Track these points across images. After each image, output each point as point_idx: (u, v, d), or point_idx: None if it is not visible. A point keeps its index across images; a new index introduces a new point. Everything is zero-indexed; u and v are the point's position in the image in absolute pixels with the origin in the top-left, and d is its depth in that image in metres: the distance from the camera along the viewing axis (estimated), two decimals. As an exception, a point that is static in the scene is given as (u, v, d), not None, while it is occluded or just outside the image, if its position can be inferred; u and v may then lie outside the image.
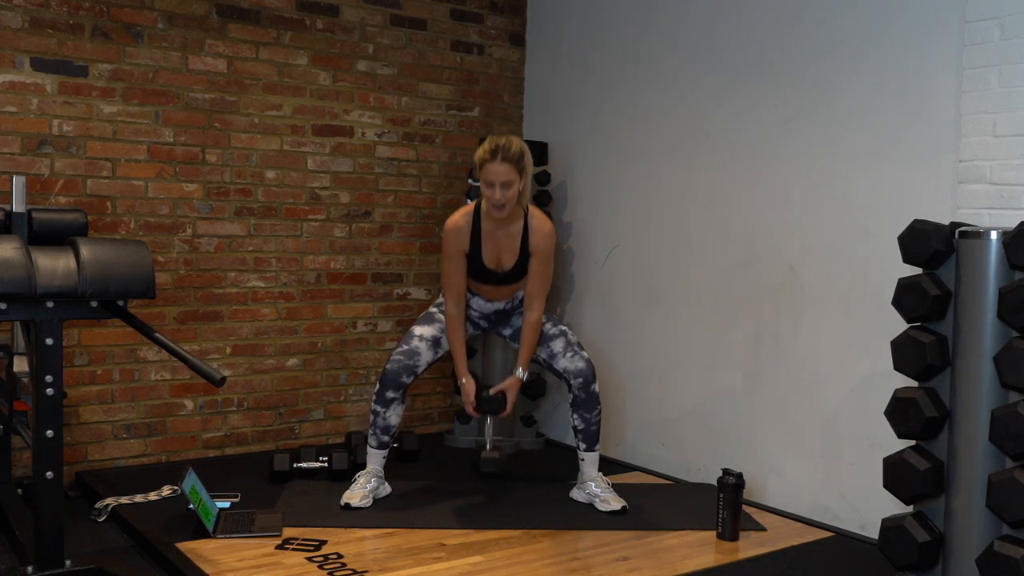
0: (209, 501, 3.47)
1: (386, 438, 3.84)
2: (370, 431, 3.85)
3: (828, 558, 3.38)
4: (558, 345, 3.83)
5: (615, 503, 3.77)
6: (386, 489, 3.87)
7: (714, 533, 3.54)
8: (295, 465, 4.09)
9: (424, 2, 4.96)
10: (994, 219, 3.24)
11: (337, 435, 4.83)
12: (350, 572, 3.07)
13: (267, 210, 4.56)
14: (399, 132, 4.93)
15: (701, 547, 3.43)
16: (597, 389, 3.86)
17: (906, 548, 2.92)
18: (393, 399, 3.79)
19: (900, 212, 3.49)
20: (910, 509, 3.15)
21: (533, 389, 4.85)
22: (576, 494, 3.93)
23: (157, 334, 3.01)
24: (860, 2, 3.70)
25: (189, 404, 4.41)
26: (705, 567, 3.24)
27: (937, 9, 3.45)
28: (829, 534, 3.64)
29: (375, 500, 3.78)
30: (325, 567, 3.11)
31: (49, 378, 2.83)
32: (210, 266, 4.43)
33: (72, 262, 2.82)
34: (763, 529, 3.65)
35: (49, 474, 2.83)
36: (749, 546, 3.46)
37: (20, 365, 3.33)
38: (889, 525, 2.98)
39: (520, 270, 3.76)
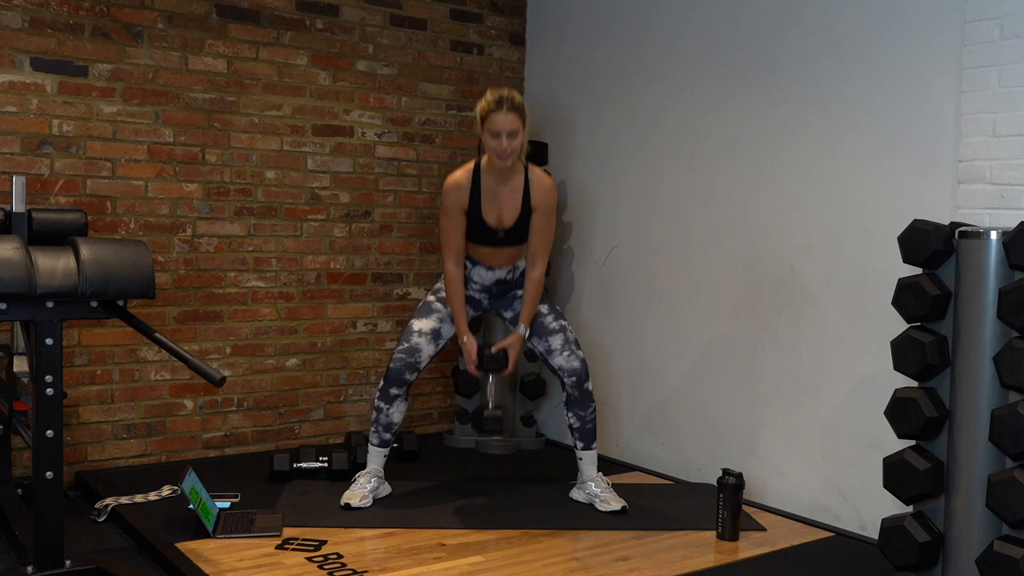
0: (209, 501, 3.47)
1: (388, 436, 3.84)
2: (372, 429, 3.85)
3: (828, 558, 3.38)
4: (556, 342, 3.83)
5: (615, 503, 3.77)
6: (386, 489, 3.87)
7: (714, 533, 3.54)
8: (295, 465, 4.09)
9: (424, 2, 4.96)
10: (994, 219, 3.24)
11: (337, 435, 4.83)
12: (350, 572, 3.07)
13: (267, 210, 4.56)
14: (399, 132, 4.93)
15: (701, 547, 3.43)
16: (590, 387, 3.86)
17: (906, 548, 2.92)
18: (397, 396, 3.80)
19: (900, 212, 3.49)
20: (910, 509, 3.16)
21: (533, 389, 4.86)
22: (576, 494, 3.93)
23: (157, 334, 3.01)
24: (860, 2, 3.70)
25: (189, 404, 4.41)
26: (705, 567, 3.24)
27: (937, 9, 3.45)
28: (829, 534, 3.64)
29: (375, 500, 3.78)
30: (325, 567, 3.11)
31: (49, 378, 2.83)
32: (210, 266, 4.43)
33: (72, 262, 2.82)
34: (763, 529, 3.65)
35: (49, 474, 2.83)
36: (749, 546, 3.46)
37: (20, 365, 3.33)
38: (889, 525, 2.98)
39: (521, 228, 3.73)
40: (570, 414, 3.88)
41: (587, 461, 3.90)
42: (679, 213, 4.45)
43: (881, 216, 3.61)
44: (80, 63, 4.05)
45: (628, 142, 4.72)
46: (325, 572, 3.07)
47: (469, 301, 3.86)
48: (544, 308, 3.85)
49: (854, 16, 3.72)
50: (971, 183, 3.32)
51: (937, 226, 2.91)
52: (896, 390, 2.99)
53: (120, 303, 2.94)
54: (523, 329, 3.80)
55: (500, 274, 3.86)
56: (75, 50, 4.04)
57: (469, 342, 3.78)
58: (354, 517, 3.61)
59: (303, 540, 3.35)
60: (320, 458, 4.16)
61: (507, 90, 3.58)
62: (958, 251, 2.89)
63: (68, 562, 2.90)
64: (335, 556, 3.21)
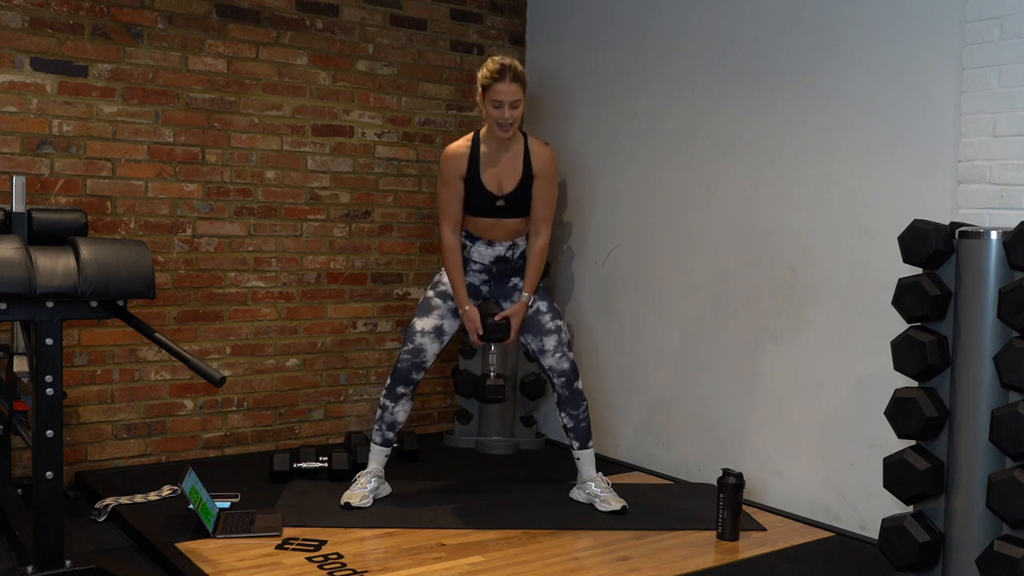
0: (209, 501, 3.47)
1: (391, 435, 3.85)
2: (375, 427, 3.85)
3: (828, 558, 3.38)
4: (551, 343, 3.83)
5: (615, 503, 3.77)
6: (386, 489, 3.87)
7: (714, 533, 3.54)
8: (295, 465, 4.10)
9: (424, 2, 4.96)
10: (994, 219, 3.24)
11: (337, 435, 4.83)
12: (350, 572, 3.07)
13: (267, 210, 4.56)
14: (399, 132, 4.93)
15: (701, 547, 3.43)
16: (580, 386, 3.86)
17: (906, 548, 2.92)
18: (403, 395, 3.80)
19: (900, 212, 3.49)
20: (910, 509, 3.16)
21: (533, 389, 4.85)
22: (576, 494, 3.93)
23: (157, 334, 3.01)
24: (860, 2, 3.70)
25: (189, 404, 4.41)
26: (705, 567, 3.24)
27: (937, 9, 3.45)
28: (829, 534, 3.64)
29: (375, 500, 3.78)
30: (325, 567, 3.11)
31: (49, 378, 2.83)
32: (210, 266, 4.43)
33: (72, 262, 2.82)
34: (763, 529, 3.65)
35: (49, 474, 2.83)
36: (749, 546, 3.46)
37: (20, 365, 3.33)
38: (889, 525, 2.98)
39: (521, 196, 3.72)
40: (563, 414, 3.88)
41: (585, 461, 3.90)
42: (679, 213, 4.45)
43: (881, 216, 3.61)
44: (80, 63, 4.05)
45: (628, 142, 4.72)
46: (325, 572, 3.07)
47: (468, 289, 3.84)
48: (543, 306, 3.85)
49: (854, 16, 3.72)
50: (971, 183, 3.32)
51: (937, 226, 2.91)
52: (896, 390, 2.99)
53: (120, 303, 2.94)
54: (526, 297, 3.79)
55: (500, 250, 3.82)
56: (75, 50, 4.04)
57: (471, 311, 3.77)
58: (354, 517, 3.61)
59: (303, 540, 3.35)
60: (320, 458, 4.16)
61: (508, 59, 3.59)
62: (958, 251, 2.89)
63: (68, 562, 2.90)
64: (335, 556, 3.21)
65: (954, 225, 2.98)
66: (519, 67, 3.59)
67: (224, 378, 2.98)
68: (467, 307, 3.77)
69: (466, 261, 3.84)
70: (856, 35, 3.71)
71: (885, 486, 3.00)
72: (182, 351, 2.97)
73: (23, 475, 3.85)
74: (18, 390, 3.37)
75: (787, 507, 3.94)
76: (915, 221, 2.96)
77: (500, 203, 3.72)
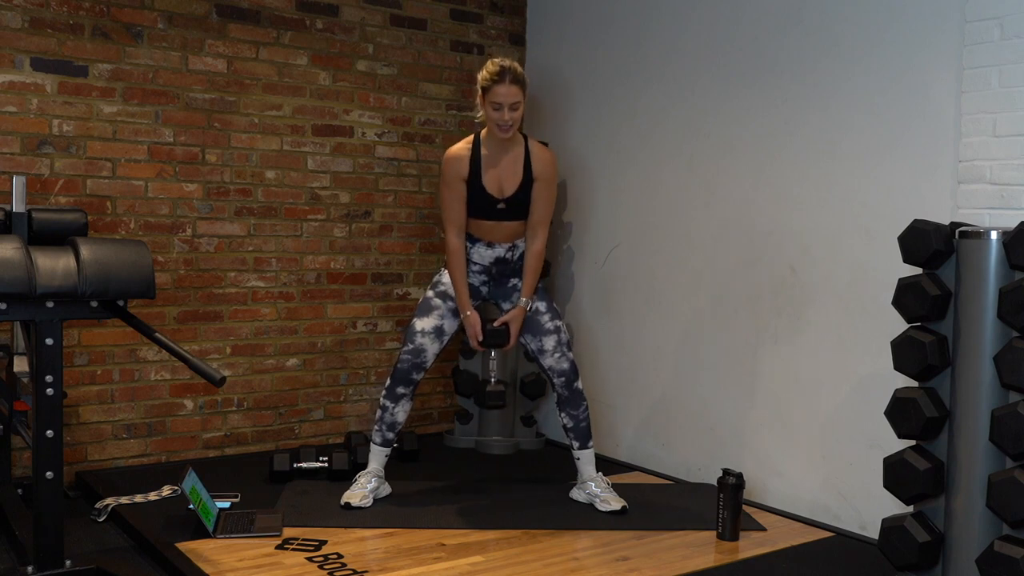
0: (209, 501, 3.47)
1: (391, 435, 3.85)
2: (375, 427, 3.85)
3: (828, 558, 3.38)
4: (550, 343, 3.83)
5: (615, 503, 3.77)
6: (386, 489, 3.87)
7: (714, 533, 3.54)
8: (295, 465, 4.09)
9: (424, 2, 4.96)
10: (994, 219, 3.24)
11: (337, 435, 4.83)
12: (350, 572, 3.07)
13: (267, 210, 4.56)
14: (399, 132, 4.93)
15: (701, 547, 3.43)
16: (580, 386, 3.86)
17: (906, 548, 2.92)
18: (403, 395, 3.80)
19: (900, 212, 3.49)
20: (910, 509, 3.16)
21: (533, 389, 4.86)
22: (576, 494, 3.93)
23: (157, 334, 3.01)
24: (860, 2, 3.70)
25: (189, 404, 4.41)
26: (705, 567, 3.24)
27: (937, 9, 3.45)
28: (829, 534, 3.64)
29: (375, 500, 3.78)
30: (325, 567, 3.11)
31: (49, 378, 2.83)
32: (210, 266, 4.43)
33: (72, 262, 2.82)
34: (763, 529, 3.65)
35: (49, 474, 2.83)
36: (749, 546, 3.46)
37: (20, 365, 3.33)
38: (889, 525, 2.98)
39: (521, 198, 3.72)
40: (563, 414, 3.88)
41: (585, 460, 3.90)
42: (679, 213, 4.45)
43: (881, 216, 3.61)
44: (80, 63, 4.05)
45: (628, 142, 4.72)
46: (325, 572, 3.07)
47: (469, 288, 3.85)
48: (542, 306, 3.85)
49: (854, 16, 3.72)
50: (971, 183, 3.32)
51: (937, 226, 2.91)
52: (896, 390, 2.99)
53: (120, 303, 2.94)
54: (524, 302, 3.79)
55: (500, 251, 3.83)
56: (75, 50, 4.04)
57: (472, 316, 3.77)
58: (354, 517, 3.61)
59: (303, 540, 3.35)
60: (320, 458, 4.16)
61: (508, 61, 3.59)
62: (958, 251, 2.89)
63: (68, 562, 2.90)
64: (335, 556, 3.21)
65: (954, 225, 2.98)
66: (519, 69, 3.59)
67: (224, 378, 2.98)
68: (468, 312, 3.77)
69: (466, 262, 3.84)
70: (856, 35, 3.71)
71: (885, 486, 3.00)
72: (182, 351, 2.97)
73: (23, 475, 3.85)
74: (18, 390, 3.37)
75: (787, 507, 3.94)
76: (915, 221, 2.96)
77: (501, 206, 3.72)
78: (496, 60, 3.60)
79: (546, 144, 3.86)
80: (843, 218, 3.77)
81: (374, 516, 3.63)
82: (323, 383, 4.79)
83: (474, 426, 4.88)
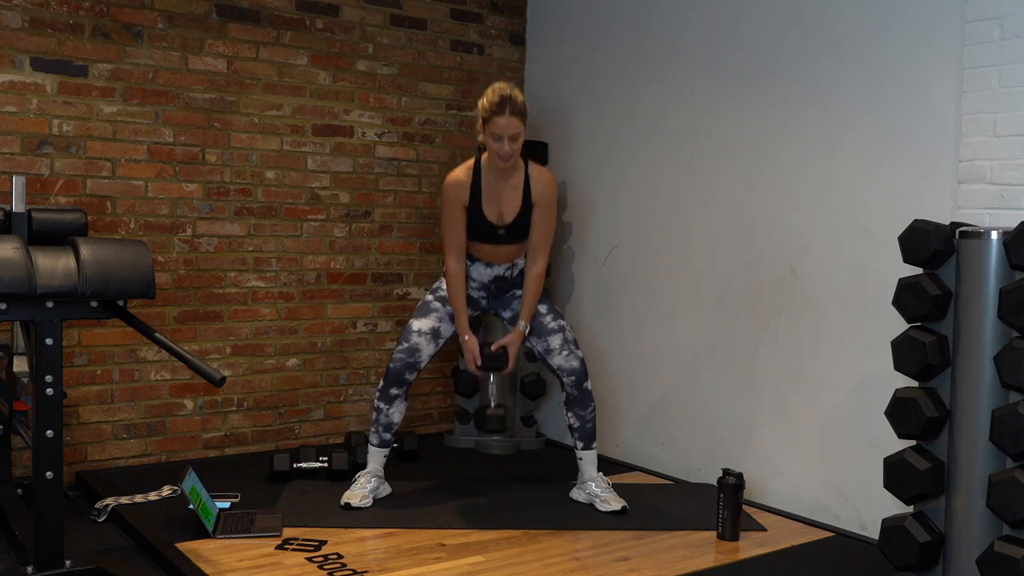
0: (209, 501, 3.47)
1: (388, 436, 3.84)
2: (372, 429, 3.85)
3: (828, 558, 3.38)
4: (555, 341, 3.83)
5: (615, 503, 3.77)
6: (386, 489, 3.87)
7: (714, 533, 3.54)
8: (295, 465, 4.09)
9: (424, 2, 4.96)
10: (994, 219, 3.24)
11: (337, 435, 4.83)
12: (350, 572, 3.07)
13: (267, 210, 4.56)
14: (399, 132, 4.93)
15: (701, 547, 3.43)
16: (590, 387, 3.86)
17: (906, 548, 2.92)
18: (397, 396, 3.79)
19: (900, 212, 3.49)
20: (910, 509, 3.16)
21: (533, 389, 4.86)
22: (576, 494, 3.93)
23: (157, 334, 3.01)
24: (860, 2, 3.70)
25: (189, 404, 4.41)
26: (705, 567, 3.24)
27: (937, 9, 3.45)
28: (829, 534, 3.64)
29: (375, 500, 3.78)
30: (325, 567, 3.11)
31: (49, 378, 2.83)
32: (210, 266, 4.43)
33: (72, 262, 2.82)
34: (763, 529, 3.65)
35: (49, 474, 2.83)
36: (749, 546, 3.46)
37: (20, 365, 3.33)
38: (889, 525, 2.98)
39: (521, 224, 3.73)
40: (570, 414, 3.87)
41: (587, 461, 3.89)
42: (679, 213, 4.45)
43: (881, 216, 3.61)
44: (80, 63, 4.05)
45: (628, 142, 4.71)
46: (325, 572, 3.07)
47: (468, 301, 3.86)
48: (543, 308, 3.85)
49: (854, 16, 3.72)
50: (971, 183, 3.32)
51: (938, 226, 2.91)
52: (896, 390, 2.99)
53: (120, 303, 2.94)
54: (523, 325, 3.79)
55: (499, 271, 3.85)
56: (75, 50, 4.04)
57: (470, 341, 3.77)
58: (354, 517, 3.61)
59: (303, 540, 3.35)
60: (320, 458, 4.16)
61: (509, 88, 3.55)
62: (958, 251, 2.89)
63: (68, 562, 2.90)
64: (335, 556, 3.21)
65: (954, 225, 2.98)
66: (519, 98, 3.55)
67: (224, 378, 2.98)
68: (466, 337, 3.77)
69: (465, 279, 3.84)
70: (856, 35, 3.71)
71: (885, 486, 3.00)
72: (182, 351, 2.97)
73: (23, 475, 3.85)
74: (18, 390, 3.36)
75: (787, 507, 3.94)
76: (915, 221, 2.96)
77: (501, 231, 3.73)
78: (497, 88, 3.55)
79: (547, 168, 3.85)
80: (843, 218, 3.77)
81: (374, 516, 3.63)
82: (323, 383, 4.79)
83: (474, 426, 4.88)
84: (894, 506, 3.45)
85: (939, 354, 2.88)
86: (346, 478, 3.97)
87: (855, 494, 3.72)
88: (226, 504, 3.68)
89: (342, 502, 3.71)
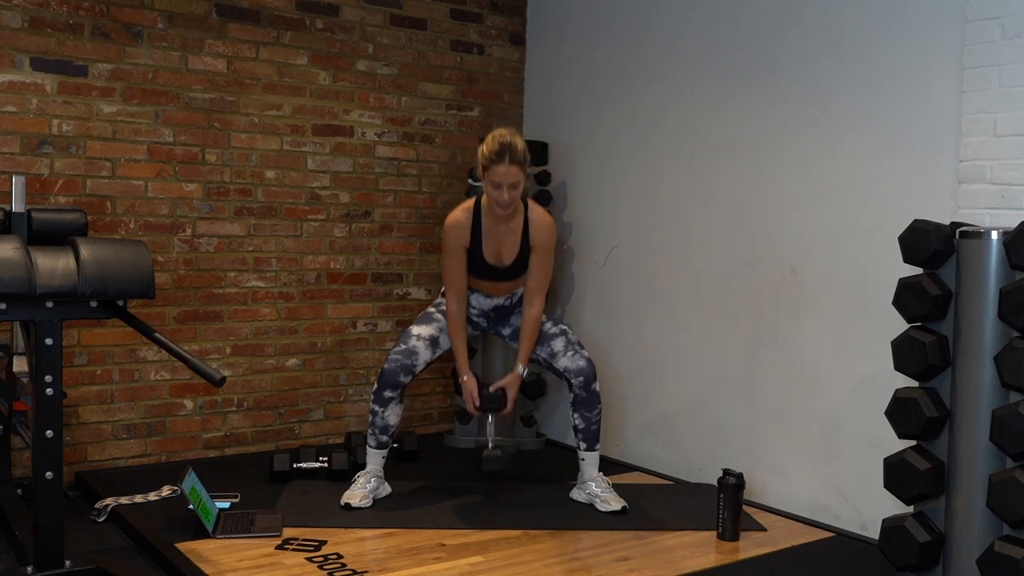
0: (209, 501, 3.47)
1: (385, 438, 3.84)
2: (369, 431, 3.85)
3: (828, 558, 3.37)
4: (559, 344, 3.83)
5: (615, 503, 3.77)
6: (386, 489, 3.87)
7: (714, 533, 3.54)
8: (295, 465, 4.09)
9: (424, 2, 4.96)
10: (995, 219, 3.24)
11: (337, 435, 4.83)
12: (350, 572, 3.07)
13: (267, 210, 4.56)
14: (399, 132, 4.93)
15: (701, 547, 3.43)
16: (598, 388, 3.86)
17: (907, 548, 2.92)
18: (391, 398, 3.79)
19: (900, 212, 3.49)
20: (910, 509, 3.15)
21: (533, 389, 4.85)
22: (576, 494, 3.93)
23: (157, 334, 3.01)
24: (860, 2, 3.70)
25: (189, 404, 4.41)
26: (705, 567, 3.24)
27: (937, 9, 3.44)
28: (829, 534, 3.64)
29: (375, 500, 3.77)
30: (325, 567, 3.11)
31: (49, 378, 2.83)
32: (210, 266, 4.42)
33: (72, 262, 2.82)
34: (763, 529, 3.65)
35: (49, 474, 2.83)
36: (749, 546, 3.46)
37: (20, 365, 3.33)
38: (890, 525, 2.98)
39: (520, 265, 3.76)
40: (575, 415, 3.87)
41: (589, 462, 3.89)
42: (679, 213, 4.45)
43: (881, 216, 3.61)
44: (80, 63, 4.05)
45: (628, 142, 4.71)
46: (325, 572, 3.07)
47: (468, 321, 3.89)
48: (542, 318, 3.86)
49: (854, 16, 3.72)
50: (972, 183, 3.32)
51: (938, 226, 2.91)
52: (897, 390, 2.99)
53: (120, 303, 2.94)
54: (521, 369, 3.82)
55: (498, 301, 3.92)
56: (75, 50, 4.04)
57: (469, 381, 3.79)
58: (354, 517, 3.61)
59: (303, 540, 3.35)
60: (320, 458, 4.16)
61: (509, 136, 3.53)
62: (959, 251, 2.89)
63: (68, 562, 2.90)
64: (335, 556, 3.21)
65: (955, 225, 2.98)
66: (519, 146, 3.53)
67: (224, 378, 2.98)
68: (465, 377, 3.79)
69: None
70: (856, 35, 3.71)
71: (885, 486, 3.00)
72: (182, 351, 2.97)
73: (23, 475, 3.85)
74: (18, 390, 3.36)
75: (787, 507, 3.94)
76: (915, 221, 2.96)
77: (500, 272, 3.77)
78: (497, 135, 3.54)
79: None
80: (843, 218, 3.77)
81: (374, 516, 3.63)
82: (323, 383, 4.79)
83: (474, 426, 4.88)
84: (894, 506, 3.45)
85: (939, 354, 2.88)
86: (346, 478, 3.97)
87: (855, 494, 3.72)
88: (226, 504, 3.68)
89: (342, 502, 3.71)
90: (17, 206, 3.40)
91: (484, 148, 3.56)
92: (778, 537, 3.57)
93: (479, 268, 3.77)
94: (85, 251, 2.84)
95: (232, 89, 4.42)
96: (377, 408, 3.80)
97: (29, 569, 2.86)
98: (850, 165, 3.74)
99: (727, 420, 4.23)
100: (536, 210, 3.75)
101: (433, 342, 3.82)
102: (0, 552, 3.19)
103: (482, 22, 5.17)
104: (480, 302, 3.90)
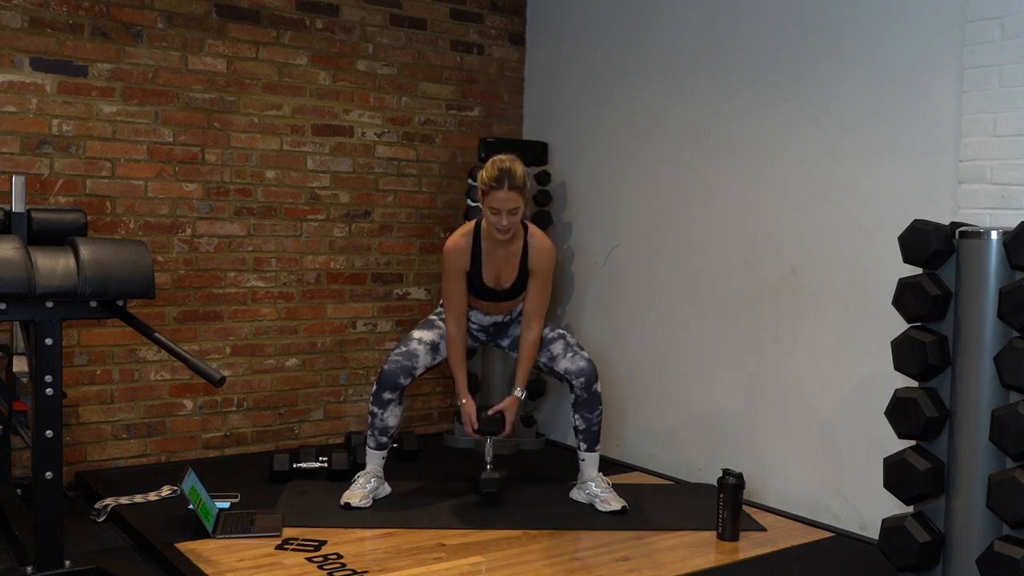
0: (209, 501, 3.47)
1: (384, 439, 3.84)
2: (368, 432, 3.85)
3: (828, 558, 3.37)
4: (558, 347, 3.84)
5: (615, 503, 3.77)
6: (386, 489, 3.87)
7: (714, 533, 3.54)
8: (295, 465, 4.09)
9: (424, 2, 4.96)
10: (995, 219, 3.24)
11: (337, 435, 4.83)
12: (350, 572, 3.07)
13: (267, 210, 4.56)
14: (399, 132, 4.93)
15: (701, 547, 3.43)
16: (599, 389, 3.86)
17: (906, 548, 2.92)
18: (390, 400, 3.79)
19: (900, 212, 3.49)
20: (910, 509, 3.15)
21: (533, 389, 4.85)
22: (576, 494, 3.93)
23: (157, 334, 3.01)
24: (860, 2, 3.70)
25: (189, 404, 4.41)
26: (705, 567, 3.24)
27: (937, 9, 3.44)
28: (829, 534, 3.64)
29: (375, 500, 3.77)
30: (325, 567, 3.11)
31: (49, 378, 2.83)
32: (210, 266, 4.42)
33: (72, 262, 2.82)
34: (763, 529, 3.65)
35: (49, 474, 2.83)
36: (749, 546, 3.46)
37: (20, 365, 3.33)
38: (890, 525, 2.98)
39: (519, 287, 3.79)
40: (576, 416, 3.87)
41: (589, 462, 3.89)
42: (679, 213, 4.45)
43: (881, 216, 3.61)
44: (80, 63, 4.05)
45: (628, 142, 4.71)
46: (325, 572, 3.07)
47: (467, 335, 3.90)
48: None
49: (854, 16, 3.72)
50: (972, 183, 3.32)
51: (937, 226, 2.91)
52: (896, 390, 2.99)
53: (120, 303, 2.94)
54: (519, 392, 3.83)
55: (497, 318, 3.94)
56: (75, 50, 4.04)
57: (468, 404, 3.80)
58: (354, 517, 3.61)
59: (303, 540, 3.35)
60: (320, 458, 4.16)
61: (509, 162, 3.54)
62: (959, 251, 2.89)
63: (68, 562, 2.90)
64: (335, 556, 3.21)
65: (954, 225, 2.98)
66: (519, 172, 3.54)
67: (224, 378, 2.98)
68: (464, 400, 3.80)
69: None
70: (856, 35, 3.71)
71: (885, 486, 3.00)
72: (182, 351, 2.97)
73: (23, 475, 3.85)
74: (18, 390, 3.36)
75: (787, 507, 3.94)
76: (915, 221, 2.96)
77: (499, 294, 3.78)
78: (496, 161, 3.55)
79: (548, 215, 3.84)
80: (843, 218, 3.76)
81: (374, 516, 3.63)
82: (323, 383, 4.79)
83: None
84: (894, 506, 3.45)
85: (939, 354, 2.88)
86: (346, 478, 3.97)
87: (855, 494, 3.72)
88: (226, 504, 3.68)
89: (342, 502, 3.71)
90: (17, 206, 3.40)
91: (483, 174, 3.56)
92: (778, 537, 3.57)
93: (479, 290, 3.78)
94: (85, 251, 2.84)
95: (232, 89, 4.42)
96: (376, 410, 3.80)
97: (29, 569, 2.86)
98: (850, 165, 3.74)
99: (727, 420, 4.23)
100: (536, 234, 3.76)
101: (433, 347, 3.82)
102: (0, 552, 3.19)
103: (482, 22, 5.17)
104: (480, 319, 3.92)
